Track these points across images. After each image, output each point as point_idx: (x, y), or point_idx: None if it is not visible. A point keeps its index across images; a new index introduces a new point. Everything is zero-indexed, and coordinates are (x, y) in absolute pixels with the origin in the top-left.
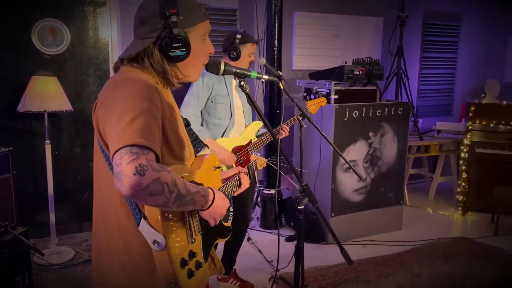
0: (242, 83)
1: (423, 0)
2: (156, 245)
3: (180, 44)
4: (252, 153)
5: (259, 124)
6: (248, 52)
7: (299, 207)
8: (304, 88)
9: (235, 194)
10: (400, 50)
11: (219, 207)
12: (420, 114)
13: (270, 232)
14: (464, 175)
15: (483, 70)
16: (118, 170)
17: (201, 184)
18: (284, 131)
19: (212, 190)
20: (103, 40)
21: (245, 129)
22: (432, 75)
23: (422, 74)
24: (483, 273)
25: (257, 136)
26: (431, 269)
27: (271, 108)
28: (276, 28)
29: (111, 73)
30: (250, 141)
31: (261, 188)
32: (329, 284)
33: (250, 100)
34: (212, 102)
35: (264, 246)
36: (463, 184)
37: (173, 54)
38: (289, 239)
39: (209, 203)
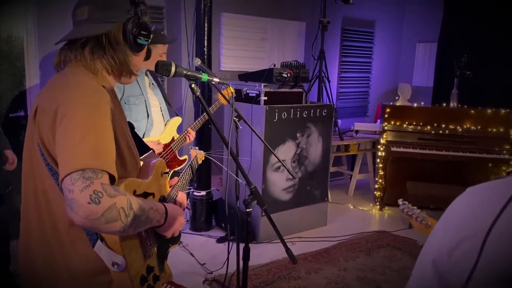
0: (193, 85)
1: (341, 7)
2: (115, 266)
3: (146, 33)
4: (176, 150)
5: (178, 120)
6: (160, 52)
7: (247, 210)
8: (234, 89)
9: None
10: (322, 54)
11: (175, 219)
12: (339, 115)
13: (201, 234)
14: (381, 172)
15: (395, 74)
16: (71, 198)
17: (153, 194)
18: (189, 136)
19: (163, 203)
20: (17, 34)
21: (166, 127)
22: (350, 79)
23: (341, 77)
24: (401, 263)
25: (178, 133)
26: (356, 262)
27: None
28: (206, 29)
29: (27, 70)
30: (173, 139)
31: (191, 189)
32: (262, 283)
33: (201, 103)
34: (125, 103)
35: (195, 249)
36: (380, 180)
37: (140, 42)
38: (220, 240)
39: (164, 216)
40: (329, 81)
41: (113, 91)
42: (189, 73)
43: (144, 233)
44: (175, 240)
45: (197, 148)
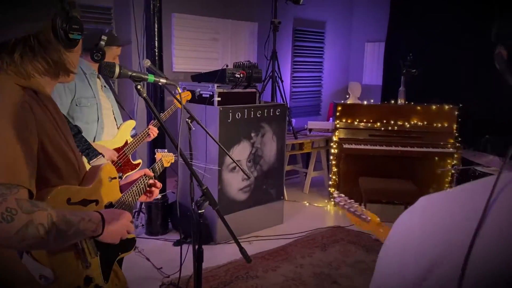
0: (139, 87)
1: (292, 8)
2: (42, 279)
3: (78, 27)
4: (130, 154)
5: (132, 123)
6: (114, 54)
7: (199, 211)
8: (187, 90)
9: (142, 200)
10: (274, 55)
11: (116, 225)
12: (293, 114)
13: (157, 238)
14: (334, 169)
15: (345, 73)
16: None
17: (96, 200)
18: (152, 132)
19: (98, 211)
20: None
21: (118, 130)
22: (303, 78)
23: (294, 77)
24: (355, 257)
25: (132, 136)
26: (312, 258)
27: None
28: (156, 29)
29: None
30: (126, 142)
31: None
32: (221, 284)
33: (148, 104)
34: (76, 105)
35: (152, 253)
36: (334, 177)
37: (72, 37)
38: (176, 243)
39: (101, 225)
40: (282, 81)
41: (47, 96)
42: (134, 74)
43: (80, 243)
44: (126, 247)
45: (165, 150)
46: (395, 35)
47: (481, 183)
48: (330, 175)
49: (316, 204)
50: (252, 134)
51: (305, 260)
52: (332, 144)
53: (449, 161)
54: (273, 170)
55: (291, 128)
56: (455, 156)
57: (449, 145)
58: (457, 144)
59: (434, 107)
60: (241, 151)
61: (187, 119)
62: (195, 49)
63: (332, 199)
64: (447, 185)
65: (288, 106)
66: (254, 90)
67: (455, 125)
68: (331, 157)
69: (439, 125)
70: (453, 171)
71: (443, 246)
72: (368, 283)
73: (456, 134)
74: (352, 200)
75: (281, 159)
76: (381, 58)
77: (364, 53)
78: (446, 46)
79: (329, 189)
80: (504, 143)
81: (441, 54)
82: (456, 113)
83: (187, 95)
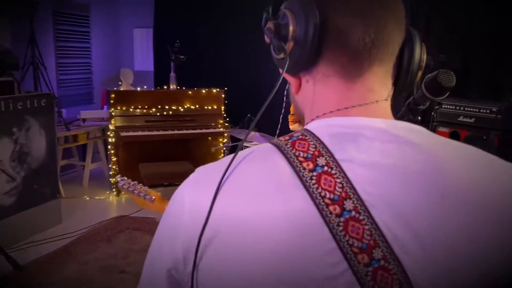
0: None
1: None
2: None
3: None
4: None
5: None
6: None
7: None
8: None
9: None
10: (32, 38)
11: None
12: (63, 104)
13: None
14: (113, 158)
15: (116, 59)
16: None
17: None
18: None
19: None
20: None
21: None
22: (70, 65)
23: (60, 63)
24: (142, 243)
25: None
26: (97, 253)
27: None
28: None
29: None
30: None
31: None
32: None
33: None
34: None
35: None
36: (114, 167)
37: None
38: None
39: None
40: (45, 68)
41: None
42: None
43: None
44: None
45: None
46: (162, 21)
47: (239, 154)
48: (110, 165)
49: (97, 197)
50: (14, 129)
51: (89, 256)
52: (109, 133)
53: (220, 139)
54: (44, 167)
55: (61, 119)
56: (225, 135)
57: (219, 125)
58: (226, 124)
59: (204, 91)
60: (1, 150)
61: None
62: None
63: (113, 187)
64: None
65: (56, 95)
66: (11, 79)
67: (223, 107)
68: (109, 147)
69: (210, 107)
70: (224, 149)
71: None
72: None
73: (224, 115)
74: (135, 182)
75: (53, 154)
76: (151, 44)
77: (133, 39)
78: (213, 32)
79: (110, 179)
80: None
81: (208, 40)
82: (223, 95)
83: None
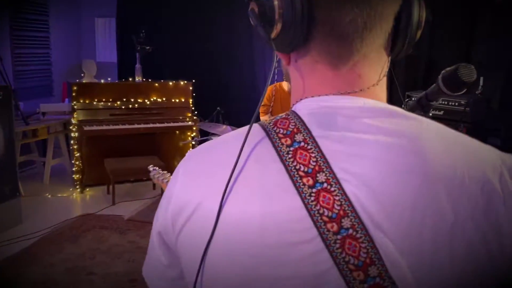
0: None
1: None
2: None
3: None
4: None
5: None
6: None
7: None
8: None
9: None
10: None
11: None
12: (21, 97)
13: None
14: (76, 153)
15: (77, 50)
16: None
17: None
18: None
19: None
20: None
21: None
22: (27, 55)
23: (16, 54)
24: (109, 241)
25: None
26: (62, 254)
27: None
28: None
29: None
30: None
31: None
32: None
33: None
34: None
35: None
36: (77, 163)
37: None
38: None
39: None
40: (1, 59)
41: None
42: None
43: None
44: None
45: None
46: (126, 10)
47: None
48: (73, 161)
49: (60, 195)
50: None
51: (54, 259)
52: (71, 127)
53: (188, 133)
54: (2, 163)
55: (19, 113)
56: (194, 128)
57: (187, 119)
58: (194, 117)
59: (171, 83)
60: None
61: None
62: None
63: (76, 184)
64: None
65: (13, 87)
66: None
67: (191, 100)
68: (72, 142)
69: (177, 100)
70: (193, 143)
71: (190, 195)
72: (123, 264)
73: (193, 108)
74: (165, 172)
75: (11, 150)
76: (113, 34)
77: (95, 29)
78: (179, 21)
79: (73, 176)
80: (234, 113)
81: (174, 30)
82: (191, 88)
83: None
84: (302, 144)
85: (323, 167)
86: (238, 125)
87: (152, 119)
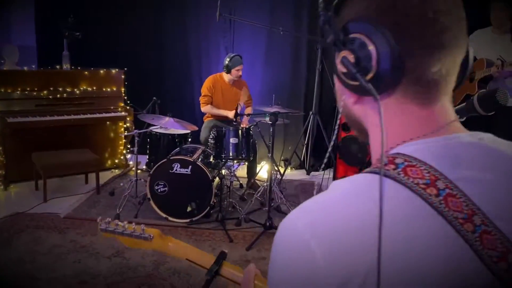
0: None
1: None
2: None
3: None
4: None
5: None
6: None
7: None
8: None
9: None
10: None
11: None
12: None
13: None
14: (0, 148)
15: None
16: None
17: None
18: None
19: None
20: None
21: None
22: None
23: None
24: (49, 242)
25: None
26: None
27: None
28: None
29: None
30: None
31: None
32: None
33: None
34: None
35: None
36: (1, 158)
37: None
38: None
39: None
40: None
41: None
42: None
43: None
44: None
45: None
46: None
47: (354, 190)
48: None
49: None
50: None
51: None
52: None
53: (121, 124)
54: None
55: None
56: (128, 119)
57: (119, 109)
58: (127, 108)
59: (102, 71)
60: None
61: None
62: None
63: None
64: (121, 148)
65: None
66: None
67: (123, 89)
68: None
69: (109, 89)
70: (136, 137)
71: (347, 269)
72: (68, 265)
73: (125, 98)
74: (125, 222)
75: None
76: (32, 16)
77: (9, 8)
78: (110, 6)
79: None
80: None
81: (104, 16)
82: (123, 76)
83: None
84: (448, 191)
85: (474, 210)
86: (177, 116)
87: (82, 109)
